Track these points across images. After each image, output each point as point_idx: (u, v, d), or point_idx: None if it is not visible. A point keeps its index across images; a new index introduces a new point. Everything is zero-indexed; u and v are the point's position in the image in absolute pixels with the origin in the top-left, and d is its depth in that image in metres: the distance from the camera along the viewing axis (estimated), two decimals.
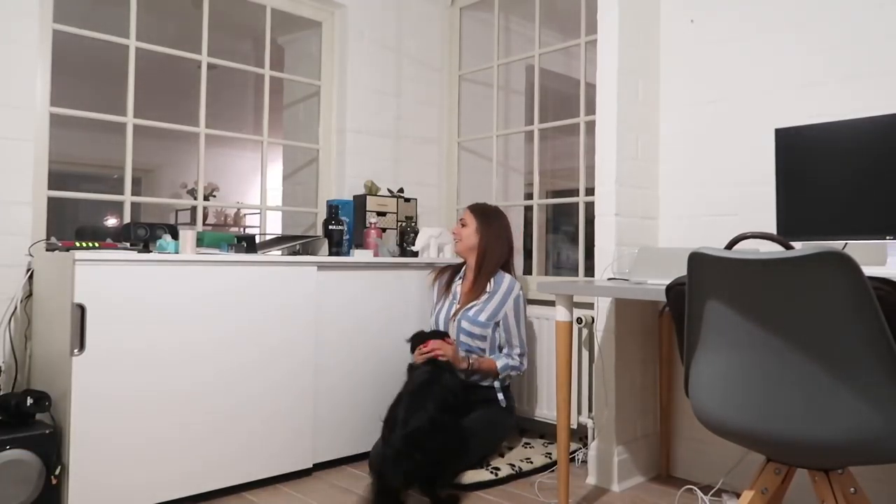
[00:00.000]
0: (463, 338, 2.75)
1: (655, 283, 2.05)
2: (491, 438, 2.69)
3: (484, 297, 2.77)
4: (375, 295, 2.80)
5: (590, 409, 2.75)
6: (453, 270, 2.97)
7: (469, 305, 2.77)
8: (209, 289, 2.31)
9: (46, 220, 2.48)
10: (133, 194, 2.72)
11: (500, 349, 2.80)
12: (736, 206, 2.53)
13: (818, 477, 1.45)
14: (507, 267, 2.89)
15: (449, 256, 3.12)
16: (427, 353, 2.56)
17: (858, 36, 2.24)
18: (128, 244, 2.33)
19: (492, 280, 2.80)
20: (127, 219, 2.67)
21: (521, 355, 2.79)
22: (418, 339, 2.66)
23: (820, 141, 2.06)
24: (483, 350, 2.76)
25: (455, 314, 2.78)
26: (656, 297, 1.86)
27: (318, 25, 3.34)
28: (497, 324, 2.77)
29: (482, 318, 2.74)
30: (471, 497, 2.40)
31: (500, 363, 2.73)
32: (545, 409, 2.95)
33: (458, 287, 2.89)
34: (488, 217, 2.86)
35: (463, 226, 2.86)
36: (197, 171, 3.01)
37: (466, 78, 3.72)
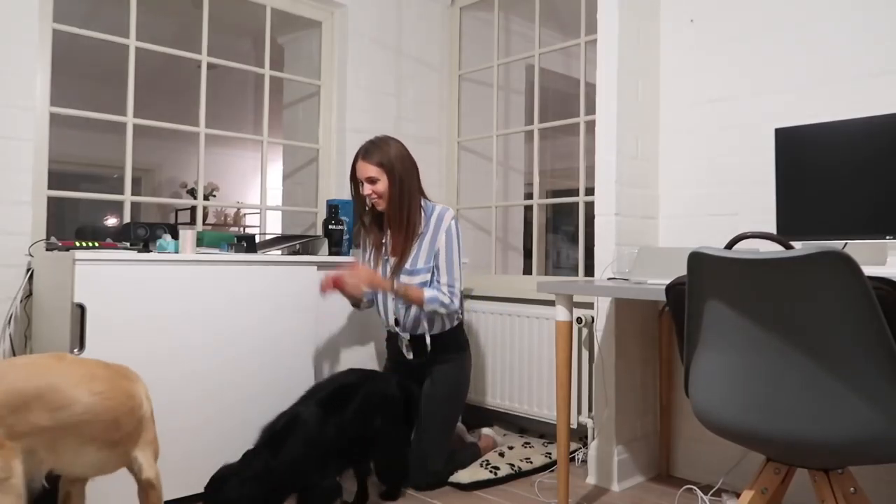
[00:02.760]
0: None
1: (655, 282, 2.05)
2: (456, 406, 2.61)
3: (417, 240, 2.54)
4: None
5: (590, 409, 2.75)
6: (376, 223, 2.62)
7: (407, 259, 2.53)
8: (209, 288, 2.31)
9: (46, 220, 2.48)
10: (133, 194, 2.72)
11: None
12: (736, 206, 2.53)
13: (818, 477, 1.45)
14: (422, 190, 2.59)
15: None
16: (335, 283, 2.41)
17: (858, 36, 2.24)
18: (128, 244, 2.33)
19: (421, 217, 2.55)
20: (127, 218, 2.67)
21: (451, 290, 2.51)
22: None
23: (820, 141, 2.06)
24: None
25: (395, 271, 2.54)
26: (656, 296, 1.86)
27: (318, 25, 3.34)
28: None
29: (420, 263, 2.51)
30: (470, 496, 2.40)
31: (427, 293, 2.48)
32: (545, 409, 2.95)
33: (388, 240, 2.60)
34: (388, 155, 2.49)
35: (372, 182, 2.49)
36: (197, 170, 3.01)
37: (466, 78, 3.72)
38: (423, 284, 2.52)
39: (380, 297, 2.62)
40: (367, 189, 2.50)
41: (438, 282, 2.53)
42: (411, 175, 2.54)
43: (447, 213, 2.56)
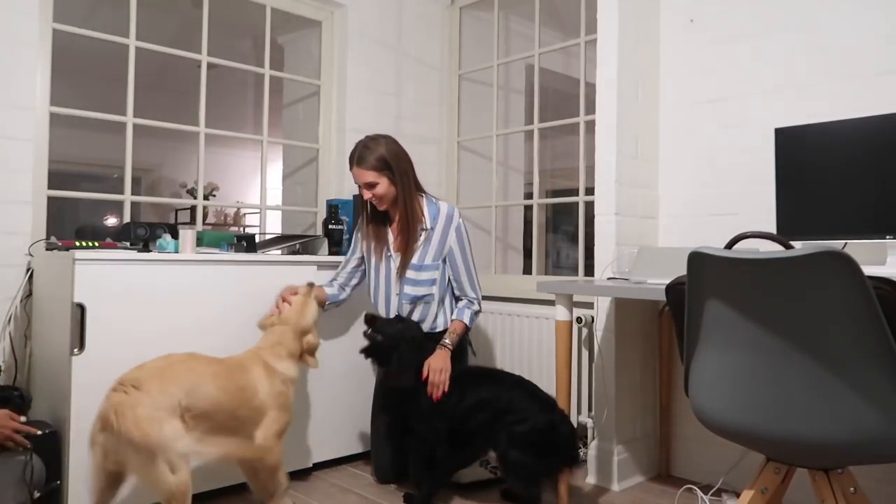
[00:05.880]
0: (407, 289, 2.50)
1: (655, 282, 2.05)
2: None
3: (422, 235, 2.51)
4: None
5: (590, 409, 2.75)
6: (378, 218, 2.58)
7: (413, 255, 2.50)
8: (209, 288, 2.31)
9: (46, 220, 2.48)
10: (133, 194, 2.72)
11: (453, 293, 2.57)
12: (736, 206, 2.53)
13: (818, 477, 1.45)
14: (418, 184, 2.56)
15: None
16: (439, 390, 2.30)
17: (858, 36, 2.24)
18: (128, 244, 2.33)
19: (424, 212, 2.52)
20: (127, 218, 2.67)
21: (477, 295, 2.55)
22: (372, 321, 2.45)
23: (820, 141, 2.07)
24: (431, 296, 2.51)
25: (402, 268, 2.51)
26: (656, 296, 1.86)
27: (318, 25, 3.34)
28: (444, 261, 2.53)
29: (428, 260, 2.49)
30: (471, 496, 2.40)
31: (467, 319, 2.49)
32: None
33: (389, 236, 2.57)
34: (381, 156, 2.44)
35: (371, 187, 2.45)
36: (197, 170, 3.01)
37: (466, 77, 3.72)
38: (431, 282, 2.50)
39: (381, 291, 2.59)
40: (366, 195, 2.48)
41: (461, 287, 2.53)
42: (407, 171, 2.50)
43: (455, 211, 2.55)
